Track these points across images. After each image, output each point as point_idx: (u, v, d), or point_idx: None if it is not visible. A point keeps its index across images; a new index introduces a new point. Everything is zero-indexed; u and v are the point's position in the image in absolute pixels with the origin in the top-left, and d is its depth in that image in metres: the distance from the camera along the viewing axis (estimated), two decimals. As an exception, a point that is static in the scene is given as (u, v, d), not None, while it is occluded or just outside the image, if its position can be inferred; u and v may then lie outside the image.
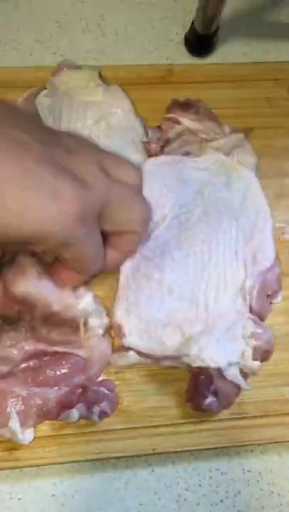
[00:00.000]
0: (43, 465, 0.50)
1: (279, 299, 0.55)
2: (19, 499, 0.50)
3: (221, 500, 0.51)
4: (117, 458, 0.51)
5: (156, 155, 0.58)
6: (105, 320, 0.51)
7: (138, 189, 0.46)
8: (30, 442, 0.47)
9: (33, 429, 0.48)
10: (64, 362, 0.49)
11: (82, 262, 0.43)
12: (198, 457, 0.53)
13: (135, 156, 0.58)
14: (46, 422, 0.50)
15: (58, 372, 0.49)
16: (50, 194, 0.36)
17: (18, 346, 0.50)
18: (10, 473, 0.51)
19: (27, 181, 0.35)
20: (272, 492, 0.52)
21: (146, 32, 0.72)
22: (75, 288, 0.49)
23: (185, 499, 0.51)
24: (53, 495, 0.51)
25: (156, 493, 0.51)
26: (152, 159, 0.57)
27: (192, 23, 0.69)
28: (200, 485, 0.52)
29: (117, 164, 0.44)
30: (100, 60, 0.69)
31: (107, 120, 0.58)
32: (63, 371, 0.49)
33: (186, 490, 0.52)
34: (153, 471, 0.52)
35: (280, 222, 0.60)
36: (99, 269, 0.46)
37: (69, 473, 0.51)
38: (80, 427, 0.49)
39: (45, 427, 0.50)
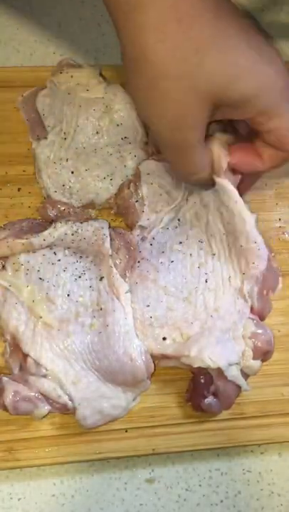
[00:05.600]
0: (43, 465, 0.50)
1: (280, 285, 0.55)
2: (19, 499, 0.50)
3: (221, 501, 0.51)
4: (117, 458, 0.51)
5: (154, 155, 0.58)
6: None
7: None
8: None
9: None
10: None
11: (284, 135, 0.44)
12: (198, 457, 0.53)
13: (136, 154, 0.58)
14: (46, 422, 0.50)
15: None
16: (267, 59, 0.42)
17: None
18: (10, 473, 0.51)
19: (250, 48, 0.41)
20: (273, 492, 0.52)
21: (147, 32, 0.72)
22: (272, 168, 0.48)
23: (185, 499, 0.51)
24: (53, 495, 0.51)
25: (156, 493, 0.51)
26: (151, 160, 0.57)
27: (192, 22, 0.68)
28: (200, 485, 0.52)
29: None
30: (100, 59, 0.69)
31: (111, 116, 0.58)
32: None
33: (186, 490, 0.52)
34: (153, 471, 0.52)
35: (280, 222, 0.60)
36: None
37: (69, 473, 0.51)
38: (80, 427, 0.49)
39: (46, 427, 0.50)
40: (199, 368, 0.48)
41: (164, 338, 0.49)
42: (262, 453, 0.53)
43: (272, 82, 0.42)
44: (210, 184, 0.51)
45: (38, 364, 0.48)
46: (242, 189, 0.51)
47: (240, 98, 0.42)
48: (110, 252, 0.52)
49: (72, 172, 0.56)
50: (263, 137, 0.46)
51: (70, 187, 0.57)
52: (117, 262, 0.52)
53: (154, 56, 0.40)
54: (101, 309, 0.50)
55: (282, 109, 0.43)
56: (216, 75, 0.40)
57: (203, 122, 0.43)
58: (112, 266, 0.51)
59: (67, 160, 0.57)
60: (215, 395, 0.48)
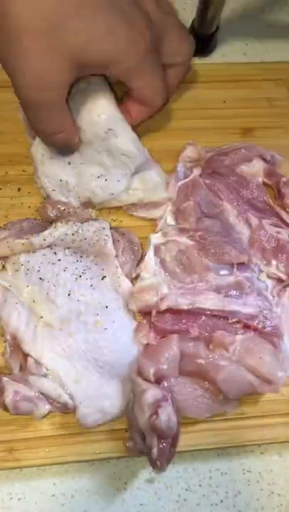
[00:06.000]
0: (43, 465, 0.50)
1: None
2: (19, 499, 0.50)
3: (221, 501, 0.51)
4: (117, 458, 0.51)
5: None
6: None
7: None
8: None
9: None
10: None
11: (150, 92, 0.49)
12: (198, 457, 0.53)
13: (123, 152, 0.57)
14: (46, 422, 0.50)
15: None
16: (128, 22, 0.43)
17: None
18: (10, 473, 0.51)
19: (112, 9, 0.42)
20: (273, 492, 0.52)
21: (147, 32, 0.72)
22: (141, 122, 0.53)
23: (185, 499, 0.51)
24: (53, 495, 0.51)
25: (156, 493, 0.51)
26: None
27: (192, 23, 0.69)
28: (200, 485, 0.52)
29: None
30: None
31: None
32: None
33: (186, 490, 0.52)
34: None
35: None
36: (164, 101, 0.52)
37: (69, 473, 0.51)
38: (80, 427, 0.49)
39: (46, 427, 0.50)
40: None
41: None
42: (262, 453, 0.53)
43: (132, 44, 0.44)
44: (73, 147, 0.54)
45: (38, 364, 0.48)
46: None
47: (99, 60, 0.44)
48: (114, 252, 0.52)
49: (69, 163, 0.56)
50: (130, 94, 0.50)
51: (66, 182, 0.56)
52: (122, 261, 0.53)
53: (14, 9, 0.39)
54: (106, 307, 0.50)
55: (143, 70, 0.47)
56: (75, 36, 0.41)
57: (66, 82, 0.45)
58: (118, 266, 0.52)
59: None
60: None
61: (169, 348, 0.48)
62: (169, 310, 0.50)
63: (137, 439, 0.46)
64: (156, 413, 0.44)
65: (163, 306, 0.50)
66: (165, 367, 0.48)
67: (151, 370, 0.47)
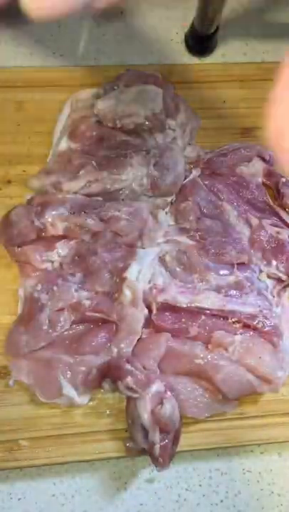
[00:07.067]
0: (43, 465, 0.50)
1: None
2: (19, 499, 0.50)
3: (221, 501, 0.51)
4: (117, 458, 0.51)
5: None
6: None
7: None
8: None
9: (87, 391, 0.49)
10: (102, 330, 0.49)
11: None
12: (198, 457, 0.53)
13: None
14: (46, 422, 0.50)
15: (98, 340, 0.49)
16: None
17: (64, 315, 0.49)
18: (10, 473, 0.51)
19: None
20: (273, 492, 0.52)
21: (147, 32, 0.72)
22: None
23: (185, 499, 0.51)
24: (53, 495, 0.51)
25: (156, 493, 0.51)
26: None
27: (192, 23, 0.68)
28: (200, 485, 0.52)
29: None
30: (99, 60, 0.69)
31: None
32: (102, 340, 0.49)
33: (186, 490, 0.52)
34: (153, 471, 0.52)
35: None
36: None
37: (69, 473, 0.51)
38: (80, 427, 0.49)
39: (46, 427, 0.50)
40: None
41: None
42: (262, 453, 0.53)
43: None
44: None
45: None
46: None
47: None
48: None
49: None
50: None
51: None
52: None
53: None
54: None
55: None
56: None
57: None
58: None
59: None
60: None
61: (157, 344, 0.48)
62: (169, 308, 0.50)
63: (138, 437, 0.46)
64: (161, 403, 0.45)
65: (160, 299, 0.49)
66: (151, 362, 0.48)
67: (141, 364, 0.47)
